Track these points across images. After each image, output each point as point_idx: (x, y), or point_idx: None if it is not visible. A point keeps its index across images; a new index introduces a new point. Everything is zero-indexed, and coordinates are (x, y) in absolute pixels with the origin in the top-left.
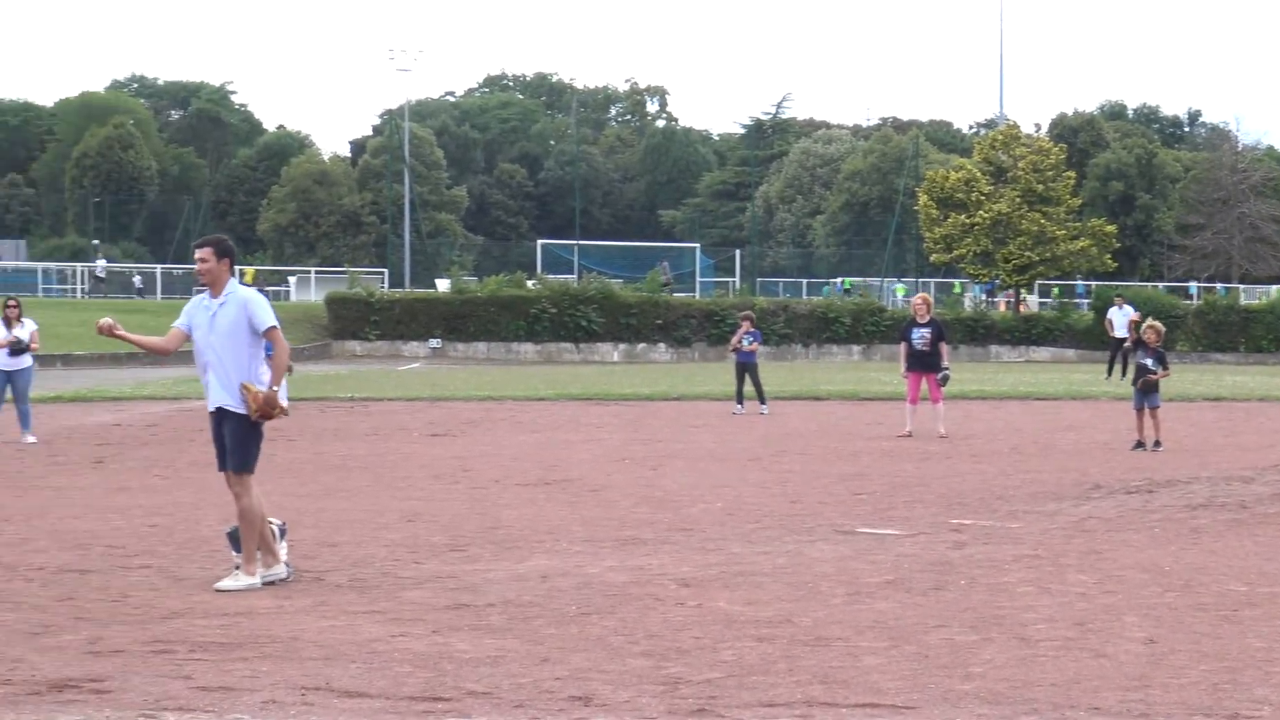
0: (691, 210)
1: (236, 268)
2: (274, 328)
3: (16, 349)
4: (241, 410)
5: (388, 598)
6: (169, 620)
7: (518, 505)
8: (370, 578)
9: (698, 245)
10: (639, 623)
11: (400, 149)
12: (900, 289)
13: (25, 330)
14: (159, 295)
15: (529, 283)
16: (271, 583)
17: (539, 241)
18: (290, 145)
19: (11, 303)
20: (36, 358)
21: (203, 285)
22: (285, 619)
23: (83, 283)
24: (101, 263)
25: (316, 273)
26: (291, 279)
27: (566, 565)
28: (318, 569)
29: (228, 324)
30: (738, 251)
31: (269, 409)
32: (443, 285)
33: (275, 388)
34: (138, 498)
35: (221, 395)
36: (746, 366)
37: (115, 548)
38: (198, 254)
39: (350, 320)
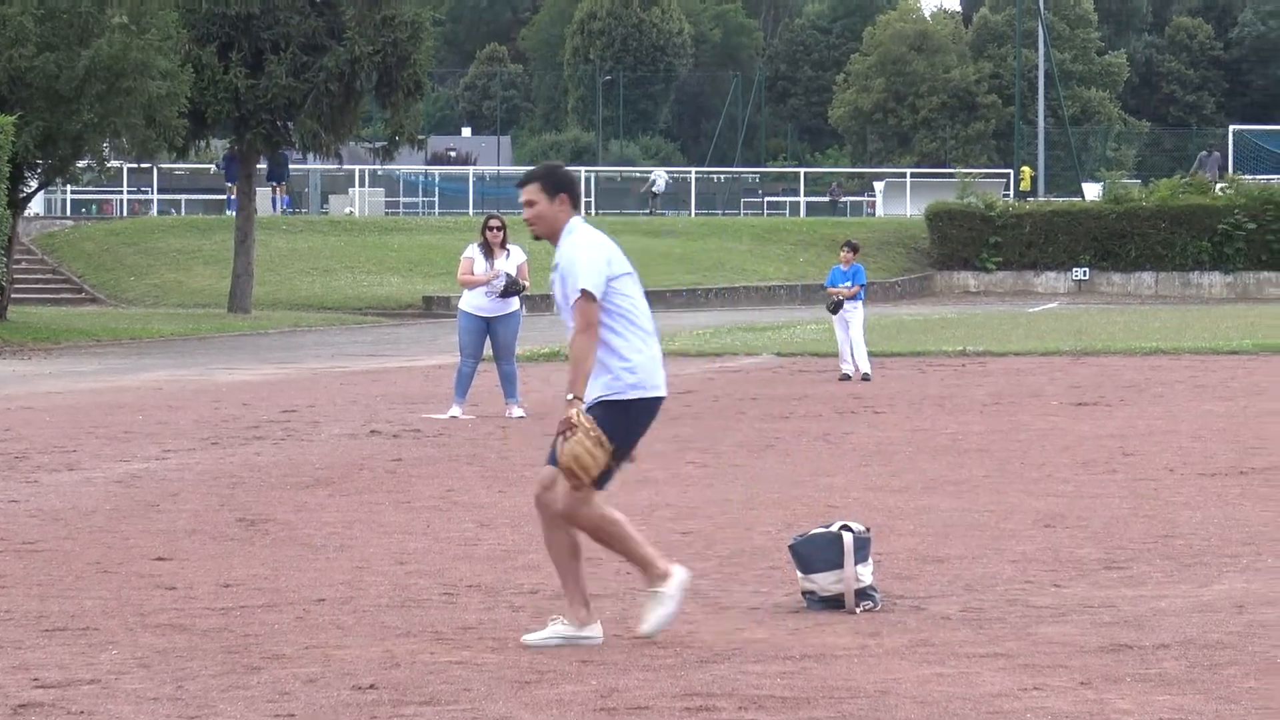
0: None
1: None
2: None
3: (511, 289)
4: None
5: (1016, 635)
6: (709, 665)
7: (1201, 504)
8: (991, 606)
9: None
10: None
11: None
12: None
13: (511, 263)
14: (693, 210)
15: (1216, 187)
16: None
17: (1230, 128)
18: None
19: (494, 223)
20: (525, 299)
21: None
22: (872, 664)
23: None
24: (660, 174)
25: (913, 176)
26: (878, 185)
27: (1272, 590)
28: (917, 594)
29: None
30: None
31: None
32: (1092, 192)
33: (569, 396)
34: (665, 493)
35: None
36: None
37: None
38: (521, 196)
39: (961, 243)
